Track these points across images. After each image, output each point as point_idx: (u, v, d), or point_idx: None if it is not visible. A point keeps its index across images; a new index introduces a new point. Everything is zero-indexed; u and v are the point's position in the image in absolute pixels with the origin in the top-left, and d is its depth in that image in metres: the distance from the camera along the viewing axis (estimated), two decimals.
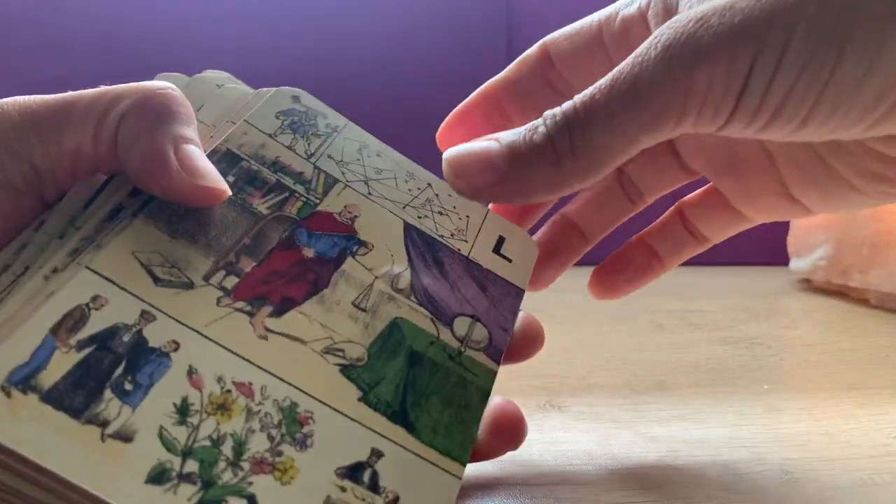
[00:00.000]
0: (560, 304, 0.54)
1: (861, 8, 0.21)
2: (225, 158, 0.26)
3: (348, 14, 0.82)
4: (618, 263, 0.34)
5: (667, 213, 0.34)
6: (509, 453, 0.29)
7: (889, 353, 0.48)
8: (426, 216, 0.29)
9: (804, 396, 0.40)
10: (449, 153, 0.26)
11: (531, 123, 0.25)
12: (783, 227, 0.69)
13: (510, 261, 0.29)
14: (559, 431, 0.35)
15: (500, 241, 0.30)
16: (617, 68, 0.23)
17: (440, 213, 0.29)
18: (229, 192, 0.24)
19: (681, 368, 0.45)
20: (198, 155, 0.23)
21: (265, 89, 0.29)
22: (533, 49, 0.32)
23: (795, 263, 0.68)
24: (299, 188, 0.26)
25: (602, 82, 0.23)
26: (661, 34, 0.22)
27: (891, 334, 0.53)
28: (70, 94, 0.24)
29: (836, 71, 0.21)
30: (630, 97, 0.23)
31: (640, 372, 0.44)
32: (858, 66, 0.21)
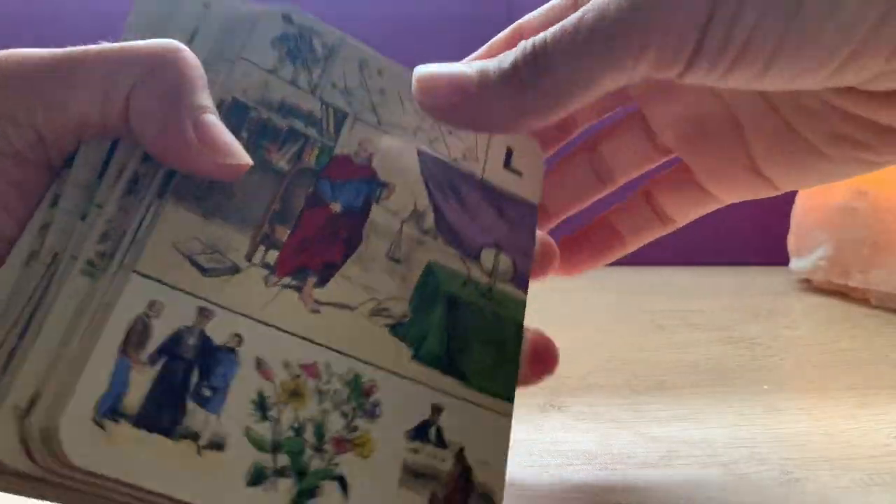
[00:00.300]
0: (560, 304, 0.54)
1: None
2: (233, 110, 0.24)
3: (348, 13, 0.82)
4: (579, 240, 0.34)
5: (634, 192, 0.34)
6: (509, 453, 0.29)
7: (889, 353, 0.48)
8: (437, 138, 0.28)
9: (804, 396, 0.40)
10: (420, 69, 0.25)
11: (505, 52, 0.24)
12: (783, 227, 0.69)
13: (521, 174, 0.29)
14: (559, 431, 0.35)
15: (509, 153, 0.29)
16: (585, 6, 0.23)
17: (450, 133, 0.28)
18: (251, 163, 0.23)
19: (680, 368, 0.45)
20: (217, 128, 0.22)
21: (252, 6, 0.26)
22: (505, 31, 0.31)
23: (795, 263, 0.68)
24: (311, 131, 0.25)
25: (571, 17, 0.23)
26: None
27: (891, 334, 0.53)
28: (70, 51, 0.22)
29: (799, 9, 0.21)
30: (593, 32, 0.22)
31: (640, 372, 0.44)
32: (822, 5, 0.21)
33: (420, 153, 0.27)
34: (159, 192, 0.22)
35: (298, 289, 0.23)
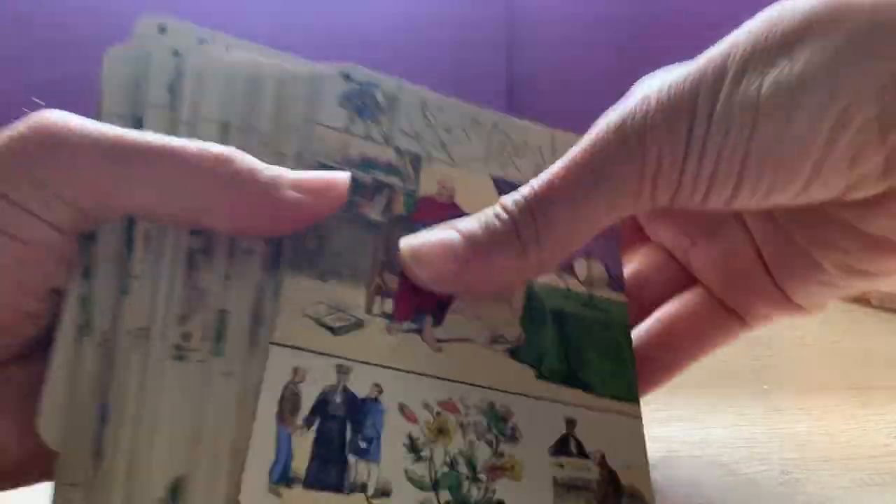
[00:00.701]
0: None
1: (768, 76, 0.22)
2: None
3: (348, 14, 0.82)
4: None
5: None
6: None
7: (889, 353, 0.48)
8: (506, 163, 0.29)
9: (804, 396, 0.40)
10: (407, 242, 0.25)
11: (485, 211, 0.25)
12: None
13: None
14: None
15: None
16: (571, 150, 0.24)
17: (517, 155, 0.29)
18: (347, 183, 0.24)
19: None
20: (285, 179, 0.23)
21: (302, 69, 0.27)
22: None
23: None
24: (394, 179, 0.26)
25: (558, 164, 0.24)
26: (610, 117, 0.24)
27: (891, 334, 0.53)
28: (129, 141, 0.21)
29: (753, 133, 0.22)
30: (589, 174, 0.24)
31: None
32: (771, 126, 0.22)
33: (495, 180, 0.28)
34: (267, 265, 0.23)
35: (419, 331, 0.24)
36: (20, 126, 0.21)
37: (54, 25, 0.79)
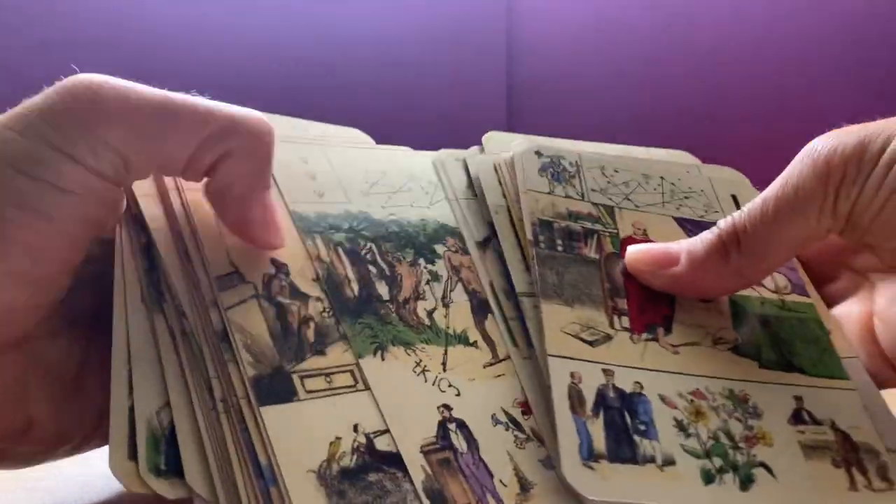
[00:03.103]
0: None
1: None
2: (543, 226, 0.31)
3: (347, 14, 0.82)
4: None
5: None
6: None
7: None
8: (681, 204, 0.35)
9: None
10: (634, 248, 0.31)
11: (700, 235, 0.31)
12: None
13: None
14: None
15: (734, 197, 0.36)
16: (771, 186, 0.29)
17: (686, 197, 0.35)
18: (283, 245, 0.27)
19: None
20: (273, 208, 0.27)
21: (508, 153, 0.33)
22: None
23: None
24: (598, 226, 0.33)
25: (757, 200, 0.30)
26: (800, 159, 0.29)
27: None
28: (170, 98, 0.24)
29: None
30: (783, 193, 0.29)
31: None
32: None
33: (676, 219, 0.34)
34: (517, 302, 0.30)
35: (655, 340, 0.30)
36: (73, 81, 0.23)
37: (54, 25, 0.79)
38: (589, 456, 0.25)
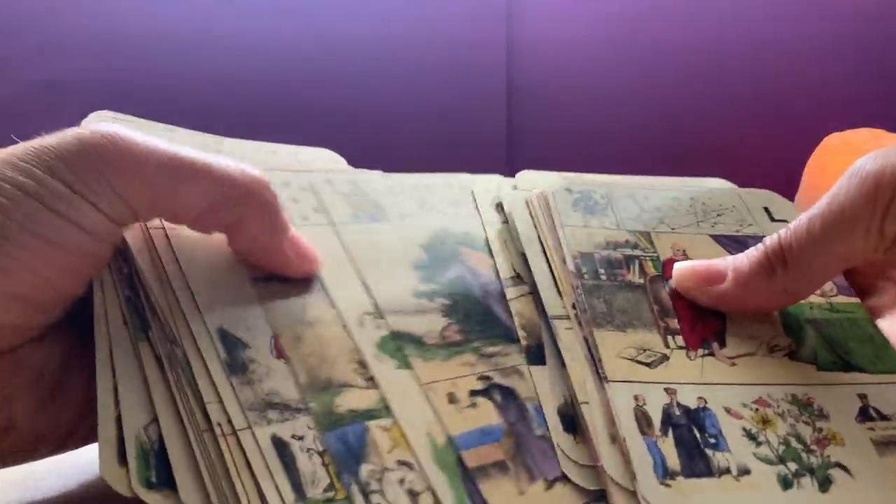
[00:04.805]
0: None
1: None
2: (584, 259, 0.32)
3: (347, 14, 0.82)
4: None
5: None
6: None
7: None
8: (715, 223, 0.35)
9: None
10: (680, 265, 0.32)
11: (746, 252, 0.31)
12: None
13: (787, 220, 0.35)
14: None
15: (767, 210, 0.37)
16: (817, 205, 0.30)
17: (719, 214, 0.36)
18: (321, 264, 0.29)
19: None
20: (301, 240, 0.28)
21: (532, 199, 0.34)
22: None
23: None
24: (637, 252, 0.33)
25: (801, 219, 0.30)
26: (849, 175, 0.30)
27: None
28: (184, 157, 0.25)
29: None
30: (829, 211, 0.29)
31: None
32: None
33: (713, 236, 0.35)
34: (584, 327, 0.30)
35: (712, 354, 0.30)
36: (90, 131, 0.25)
37: (54, 25, 0.79)
38: (664, 474, 0.26)
